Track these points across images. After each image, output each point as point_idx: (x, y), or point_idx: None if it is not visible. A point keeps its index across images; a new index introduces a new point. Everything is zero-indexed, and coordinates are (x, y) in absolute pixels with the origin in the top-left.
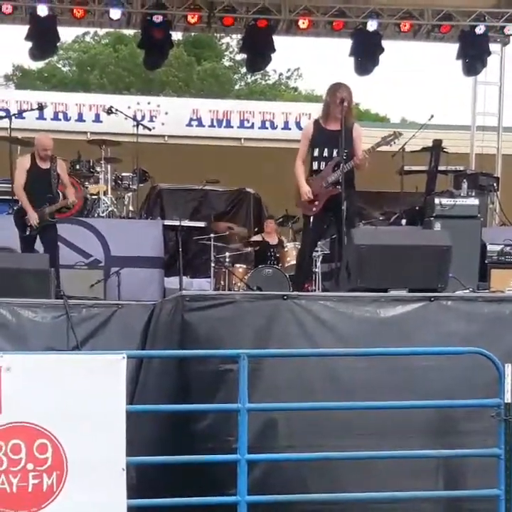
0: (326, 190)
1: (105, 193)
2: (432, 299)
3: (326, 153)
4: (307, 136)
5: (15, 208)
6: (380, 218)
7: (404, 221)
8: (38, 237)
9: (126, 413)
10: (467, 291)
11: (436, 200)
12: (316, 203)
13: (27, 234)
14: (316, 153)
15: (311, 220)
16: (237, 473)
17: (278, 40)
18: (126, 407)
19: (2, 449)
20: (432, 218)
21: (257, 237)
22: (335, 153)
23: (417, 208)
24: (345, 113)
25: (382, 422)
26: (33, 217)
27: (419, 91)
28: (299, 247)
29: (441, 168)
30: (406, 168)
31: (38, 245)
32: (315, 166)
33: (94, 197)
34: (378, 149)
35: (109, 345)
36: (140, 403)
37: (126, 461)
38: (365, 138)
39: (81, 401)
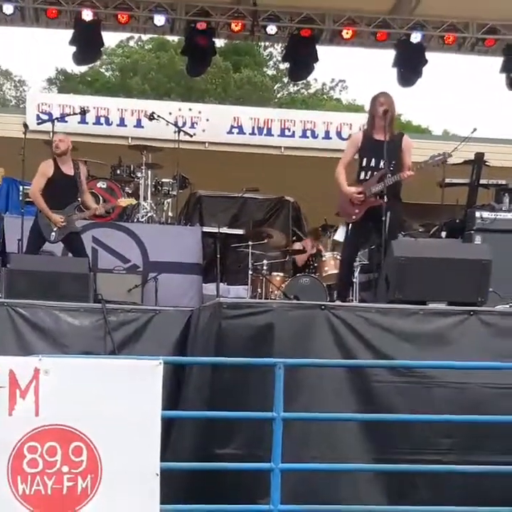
0: (368, 200)
1: (136, 206)
2: (472, 312)
3: (372, 164)
4: (355, 144)
5: (37, 214)
6: (420, 230)
7: (444, 233)
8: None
9: (162, 419)
10: (507, 306)
11: (477, 214)
12: (357, 210)
13: (52, 240)
14: (363, 163)
15: (350, 227)
16: (270, 482)
17: (320, 49)
18: (161, 412)
19: (38, 450)
20: (473, 231)
21: (296, 246)
22: (382, 164)
23: (457, 220)
24: (389, 122)
25: (419, 437)
26: (58, 220)
27: (462, 103)
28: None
29: (482, 181)
30: (447, 180)
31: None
32: (362, 175)
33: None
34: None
35: (146, 350)
36: (181, 409)
37: (160, 466)
38: None
39: (117, 405)
